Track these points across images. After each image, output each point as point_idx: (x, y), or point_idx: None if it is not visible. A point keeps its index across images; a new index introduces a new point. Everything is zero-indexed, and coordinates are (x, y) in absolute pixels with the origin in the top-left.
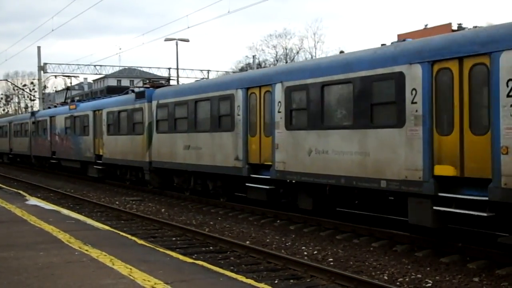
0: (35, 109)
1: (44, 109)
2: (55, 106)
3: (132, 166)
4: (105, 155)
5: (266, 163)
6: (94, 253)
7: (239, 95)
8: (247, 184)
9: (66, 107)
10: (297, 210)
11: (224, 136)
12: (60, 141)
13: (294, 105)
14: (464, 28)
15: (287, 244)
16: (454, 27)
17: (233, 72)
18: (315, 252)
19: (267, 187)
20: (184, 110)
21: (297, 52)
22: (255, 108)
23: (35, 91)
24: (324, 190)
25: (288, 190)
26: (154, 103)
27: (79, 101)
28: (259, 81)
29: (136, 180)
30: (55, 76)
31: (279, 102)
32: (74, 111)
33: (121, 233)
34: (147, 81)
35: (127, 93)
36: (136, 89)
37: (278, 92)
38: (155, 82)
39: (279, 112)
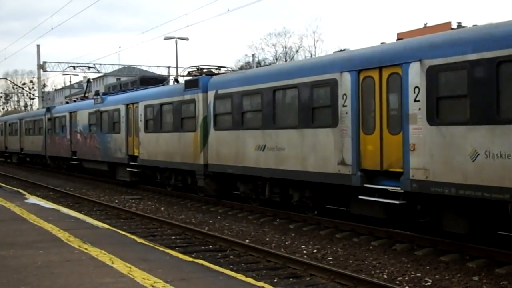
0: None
1: (43, 107)
2: (75, 101)
3: (179, 170)
4: (141, 156)
5: (391, 169)
6: (94, 251)
7: (346, 79)
8: (360, 197)
9: (90, 101)
10: (293, 208)
11: (322, 134)
12: (83, 139)
13: (444, 91)
14: (463, 27)
15: (286, 242)
16: (454, 25)
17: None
18: (315, 251)
19: (392, 201)
20: (256, 101)
21: (297, 51)
22: (372, 96)
23: (35, 90)
24: (486, 208)
25: (429, 206)
26: (211, 93)
27: (105, 94)
28: (378, 60)
29: (183, 187)
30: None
31: (416, 87)
32: (100, 105)
33: (121, 231)
34: (197, 68)
35: (169, 83)
36: (176, 79)
37: (415, 74)
38: (203, 69)
39: (416, 101)
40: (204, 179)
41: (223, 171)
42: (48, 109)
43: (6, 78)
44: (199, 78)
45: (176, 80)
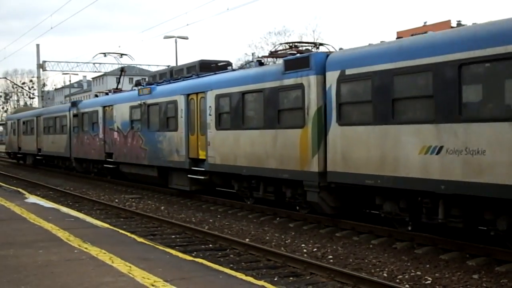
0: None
1: (43, 106)
2: (107, 93)
3: (272, 179)
4: (211, 160)
5: None
6: (94, 251)
7: None
8: None
9: (131, 92)
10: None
11: None
12: (122, 139)
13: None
14: (463, 25)
15: (286, 241)
16: (454, 24)
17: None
18: (315, 249)
19: None
20: (422, 82)
21: None
22: None
23: (34, 89)
24: None
25: None
26: (332, 74)
27: (149, 84)
28: None
29: (275, 200)
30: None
31: None
32: (147, 97)
33: (121, 231)
34: (289, 46)
35: (243, 66)
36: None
37: None
38: (298, 47)
39: None
40: (319, 192)
41: (356, 182)
42: (74, 104)
43: (5, 78)
44: (311, 55)
45: (261, 63)
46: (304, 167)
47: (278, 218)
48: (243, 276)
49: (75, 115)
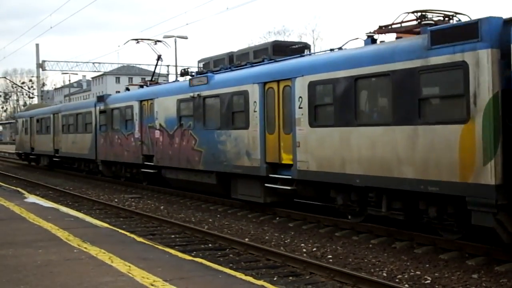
0: None
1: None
2: (141, 86)
3: (403, 191)
4: (301, 166)
5: None
6: (93, 250)
7: None
8: None
9: (180, 83)
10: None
11: None
12: (166, 139)
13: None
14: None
15: (286, 241)
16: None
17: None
18: (314, 249)
19: None
20: None
21: None
22: None
23: (34, 89)
24: None
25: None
26: None
27: (200, 73)
28: None
29: (407, 220)
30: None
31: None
32: (202, 88)
33: (120, 230)
34: (421, 15)
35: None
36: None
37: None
38: (426, 17)
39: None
40: (496, 213)
41: None
42: (101, 99)
43: (5, 77)
44: (480, 21)
45: (374, 40)
46: (468, 178)
47: (277, 218)
48: (242, 276)
49: (102, 112)
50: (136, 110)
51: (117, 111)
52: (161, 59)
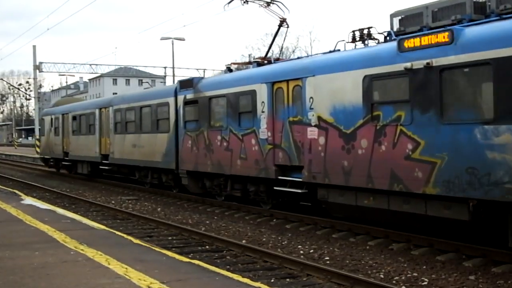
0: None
1: (40, 108)
2: (230, 70)
3: None
4: None
5: None
6: (90, 252)
7: None
8: None
9: (373, 49)
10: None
11: None
12: (337, 140)
13: None
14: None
15: (283, 243)
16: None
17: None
18: (311, 251)
19: None
20: None
21: (293, 51)
22: None
23: (31, 90)
24: None
25: None
26: None
27: (398, 34)
28: None
29: None
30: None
31: None
32: (432, 52)
33: (117, 232)
34: None
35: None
36: None
37: None
38: None
39: None
40: None
41: None
42: (187, 84)
43: (2, 79)
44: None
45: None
46: None
47: (274, 220)
48: (239, 278)
49: (189, 102)
50: (263, 97)
51: (221, 101)
52: (286, 24)
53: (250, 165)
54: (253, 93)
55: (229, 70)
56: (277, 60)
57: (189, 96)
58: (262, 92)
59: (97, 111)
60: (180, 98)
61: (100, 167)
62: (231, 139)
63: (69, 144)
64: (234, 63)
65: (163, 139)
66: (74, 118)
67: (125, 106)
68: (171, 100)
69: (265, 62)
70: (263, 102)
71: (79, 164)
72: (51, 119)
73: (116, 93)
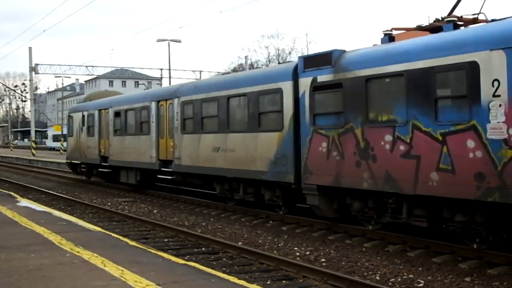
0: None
1: (35, 110)
2: (393, 39)
3: None
4: None
5: None
6: (86, 254)
7: None
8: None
9: None
10: None
11: None
12: None
13: None
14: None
15: (279, 245)
16: None
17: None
18: (308, 252)
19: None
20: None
21: (289, 53)
22: None
23: (27, 92)
24: None
25: None
26: None
27: None
28: None
29: None
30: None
31: None
32: None
33: (113, 234)
34: None
35: None
36: None
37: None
38: None
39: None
40: None
41: None
42: (323, 60)
43: None
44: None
45: None
46: None
47: (271, 222)
48: (235, 280)
49: (323, 87)
50: (497, 71)
51: (392, 82)
52: None
53: (461, 181)
54: (469, 67)
55: (390, 38)
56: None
57: (324, 77)
58: (494, 65)
59: (153, 105)
60: (305, 81)
61: (158, 176)
62: (415, 139)
63: (109, 146)
64: (397, 28)
65: (270, 140)
66: (117, 114)
67: (200, 96)
68: (286, 86)
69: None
70: (496, 80)
71: (123, 172)
72: (82, 116)
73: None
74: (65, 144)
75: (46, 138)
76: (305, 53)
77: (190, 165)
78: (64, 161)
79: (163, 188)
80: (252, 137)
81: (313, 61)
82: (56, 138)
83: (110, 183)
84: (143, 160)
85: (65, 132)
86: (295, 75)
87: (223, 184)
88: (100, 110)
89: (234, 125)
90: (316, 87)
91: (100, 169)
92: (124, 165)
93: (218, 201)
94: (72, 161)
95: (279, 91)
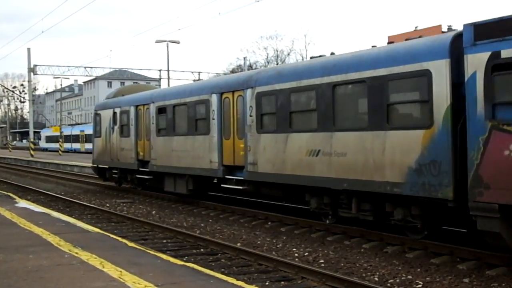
0: (25, 111)
1: (34, 111)
2: None
3: None
4: None
5: None
6: (84, 256)
7: None
8: None
9: None
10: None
11: None
12: None
13: None
14: (454, 30)
15: (278, 246)
16: (444, 28)
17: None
18: (306, 253)
19: None
20: None
21: (288, 54)
22: None
23: (25, 93)
24: None
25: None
26: None
27: None
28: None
29: None
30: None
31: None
32: None
33: (112, 235)
34: None
35: None
36: None
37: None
38: None
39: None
40: None
41: None
42: (504, 27)
43: None
44: None
45: None
46: None
47: (269, 223)
48: (234, 281)
49: (506, 66)
50: None
51: None
52: None
53: None
54: None
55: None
56: None
57: None
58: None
59: (214, 98)
60: (476, 58)
61: (223, 185)
62: None
63: (151, 149)
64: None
65: (408, 141)
66: (160, 110)
67: (286, 85)
68: (437, 66)
69: None
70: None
71: (168, 179)
72: (114, 113)
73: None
74: (66, 145)
75: (40, 139)
76: (304, 55)
77: (270, 172)
78: (64, 162)
79: (222, 199)
80: (375, 136)
81: (491, 29)
82: (50, 139)
83: (149, 190)
84: (200, 165)
85: (75, 132)
86: (454, 51)
87: (320, 197)
88: (137, 106)
89: (344, 121)
90: (497, 66)
91: (137, 175)
92: (172, 171)
93: (212, 203)
94: (100, 166)
95: (425, 73)
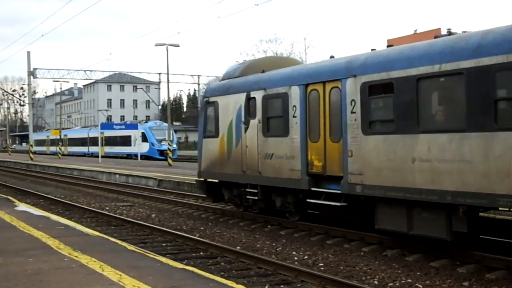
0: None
1: (34, 114)
2: None
3: None
4: None
5: None
6: (84, 259)
7: None
8: None
9: None
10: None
11: None
12: None
13: None
14: (454, 33)
15: (277, 249)
16: (444, 32)
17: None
18: (306, 257)
19: None
20: None
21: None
22: None
23: (25, 97)
24: None
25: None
26: None
27: None
28: None
29: None
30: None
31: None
32: None
33: (111, 238)
34: None
35: None
36: None
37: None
38: None
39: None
40: None
41: None
42: None
43: None
44: None
45: None
46: None
47: (269, 226)
48: (234, 284)
49: None
50: None
51: None
52: None
53: None
54: None
55: None
56: None
57: None
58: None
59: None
60: None
61: (308, 200)
62: None
63: (349, 156)
64: None
65: None
66: (376, 90)
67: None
68: None
69: None
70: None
71: (388, 209)
72: (249, 100)
73: (110, 100)
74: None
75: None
76: (303, 58)
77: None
78: (63, 166)
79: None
80: None
81: None
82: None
83: (331, 226)
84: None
85: (93, 134)
86: None
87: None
88: (307, 85)
89: None
90: None
91: (308, 200)
92: (402, 196)
93: (212, 206)
94: (211, 180)
95: None
